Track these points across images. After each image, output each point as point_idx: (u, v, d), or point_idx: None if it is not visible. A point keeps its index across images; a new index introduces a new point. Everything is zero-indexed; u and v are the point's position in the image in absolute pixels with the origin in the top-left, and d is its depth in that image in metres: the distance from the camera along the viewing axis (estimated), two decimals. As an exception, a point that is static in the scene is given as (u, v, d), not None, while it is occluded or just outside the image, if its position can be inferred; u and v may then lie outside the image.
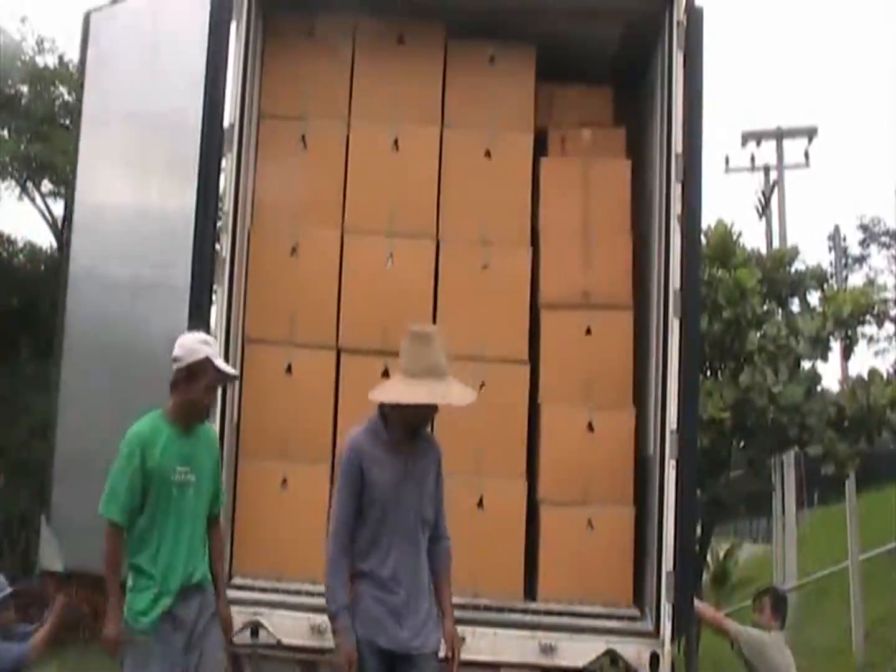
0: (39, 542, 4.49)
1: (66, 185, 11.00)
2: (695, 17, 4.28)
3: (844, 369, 12.89)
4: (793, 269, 9.21)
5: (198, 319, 4.08)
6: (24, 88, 12.44)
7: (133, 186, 4.51)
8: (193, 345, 3.41)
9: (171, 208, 4.31)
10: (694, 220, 4.24)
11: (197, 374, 3.38)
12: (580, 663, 3.99)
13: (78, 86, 4.96)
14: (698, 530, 8.18)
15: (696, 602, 5.02)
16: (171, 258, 4.23)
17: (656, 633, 3.99)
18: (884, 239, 36.85)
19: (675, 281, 4.14)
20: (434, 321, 4.52)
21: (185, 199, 4.17)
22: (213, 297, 4.19)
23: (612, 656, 4.01)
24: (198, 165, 4.14)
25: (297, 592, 4.21)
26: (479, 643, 4.01)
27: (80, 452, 4.31)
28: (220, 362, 3.45)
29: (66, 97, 12.11)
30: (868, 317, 8.83)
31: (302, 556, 4.33)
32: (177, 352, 3.40)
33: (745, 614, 7.36)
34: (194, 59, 4.22)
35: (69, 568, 4.27)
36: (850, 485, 13.29)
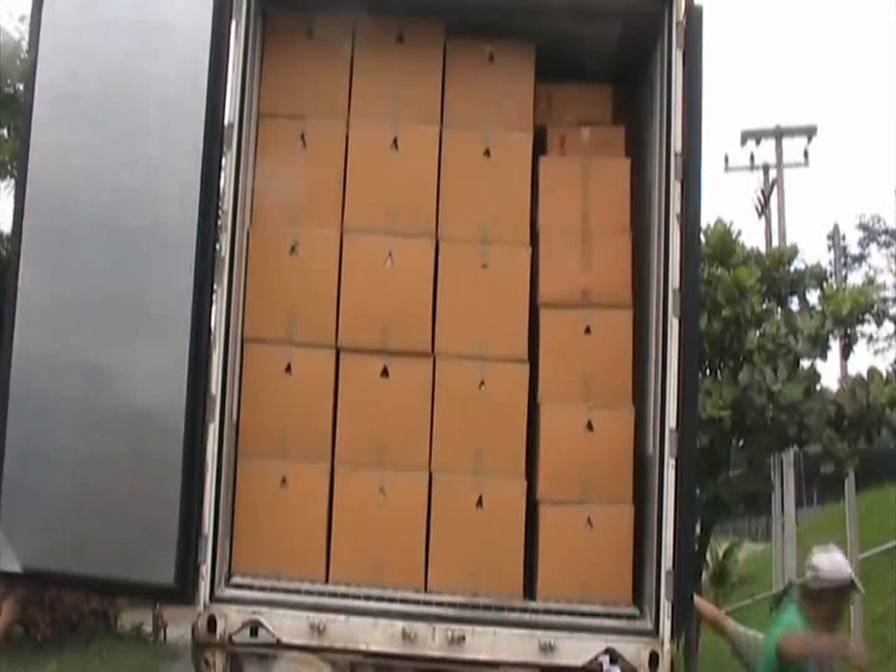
0: None
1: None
2: (694, 17, 4.28)
3: (843, 368, 12.94)
4: (792, 268, 9.23)
5: (199, 320, 4.08)
6: (24, 87, 12.42)
7: (114, 172, 4.17)
8: (844, 567, 4.02)
9: (161, 198, 4.17)
10: (693, 219, 4.25)
11: (845, 591, 4.00)
12: (579, 662, 3.99)
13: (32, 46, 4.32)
14: (697, 529, 8.18)
15: (697, 599, 5.01)
16: (158, 259, 4.12)
17: (655, 631, 3.99)
18: (883, 238, 36.86)
19: (674, 280, 4.14)
20: (433, 320, 4.53)
21: (175, 187, 4.09)
22: (213, 297, 4.19)
23: (611, 655, 4.02)
24: (200, 165, 4.10)
25: (297, 591, 4.21)
26: (479, 642, 4.01)
27: (38, 438, 4.05)
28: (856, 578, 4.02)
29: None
30: (867, 316, 8.85)
31: (301, 554, 4.36)
32: (825, 566, 4.02)
33: (744, 613, 7.37)
34: (190, 39, 4.14)
35: (27, 567, 3.96)
36: (850, 484, 13.32)
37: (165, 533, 3.96)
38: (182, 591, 4.01)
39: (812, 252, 25.57)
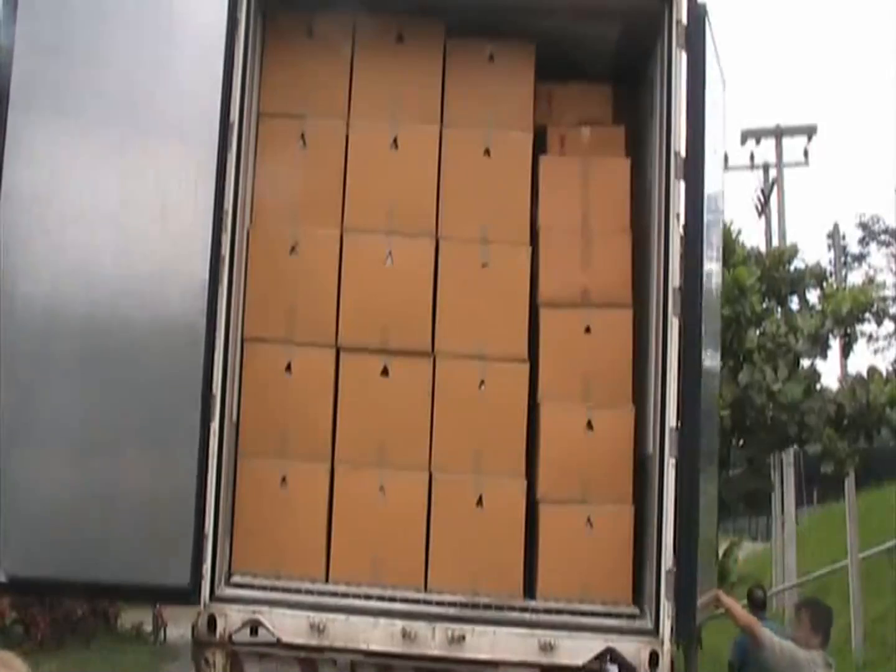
0: None
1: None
2: (697, 16, 4.28)
3: (843, 367, 12.93)
4: (792, 268, 9.23)
5: (210, 319, 4.07)
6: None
7: (112, 145, 4.05)
8: None
9: (165, 172, 4.10)
10: (695, 218, 4.25)
11: None
12: (579, 661, 4.00)
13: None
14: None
15: (731, 601, 4.89)
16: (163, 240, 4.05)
17: (656, 631, 3.99)
18: (883, 237, 36.86)
19: (674, 279, 4.15)
20: (433, 320, 4.53)
21: (179, 163, 4.07)
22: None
23: (611, 654, 4.02)
24: (215, 163, 4.09)
25: (297, 591, 4.22)
26: (479, 641, 4.01)
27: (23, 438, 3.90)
28: None
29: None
30: (867, 315, 8.85)
31: (301, 554, 4.36)
32: None
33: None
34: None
35: (13, 576, 3.84)
36: (850, 483, 13.33)
37: (179, 534, 3.93)
38: (196, 593, 3.98)
39: (812, 251, 25.65)
